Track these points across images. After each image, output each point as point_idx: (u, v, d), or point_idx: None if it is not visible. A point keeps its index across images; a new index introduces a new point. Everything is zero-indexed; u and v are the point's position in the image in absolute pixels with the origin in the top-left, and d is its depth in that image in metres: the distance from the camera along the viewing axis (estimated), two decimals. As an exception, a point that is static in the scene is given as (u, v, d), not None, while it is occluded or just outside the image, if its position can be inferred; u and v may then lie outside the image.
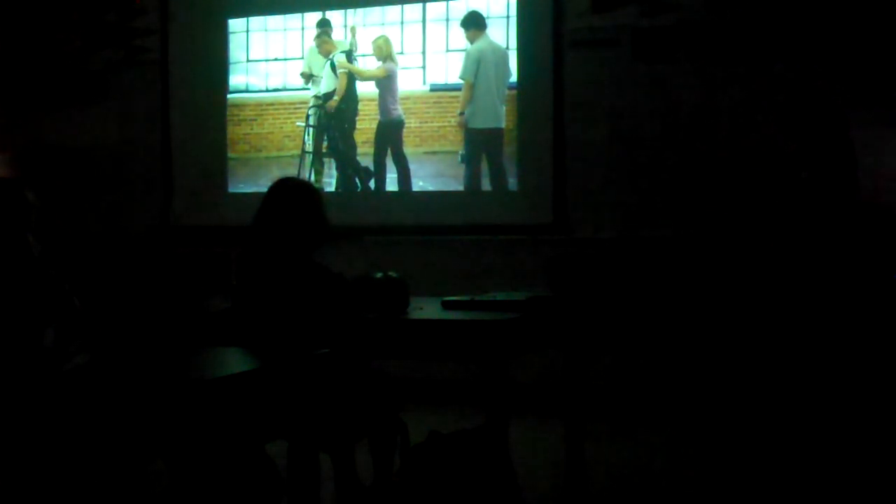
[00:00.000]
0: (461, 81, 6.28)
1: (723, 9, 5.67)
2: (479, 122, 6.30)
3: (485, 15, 6.24)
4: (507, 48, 6.20)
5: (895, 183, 5.40)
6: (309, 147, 6.69)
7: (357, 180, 6.60)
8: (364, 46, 6.54)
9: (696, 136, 5.71)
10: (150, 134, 6.95)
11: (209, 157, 6.87)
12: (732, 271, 5.51)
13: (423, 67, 6.43)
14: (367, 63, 6.54)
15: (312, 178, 6.59)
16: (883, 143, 5.42)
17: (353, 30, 6.56)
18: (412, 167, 6.45)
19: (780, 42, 5.55)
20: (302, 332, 3.28)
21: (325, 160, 6.69)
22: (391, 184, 6.53)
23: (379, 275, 3.57)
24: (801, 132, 5.49)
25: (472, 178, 6.33)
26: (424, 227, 6.29)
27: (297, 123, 6.73)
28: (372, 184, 6.56)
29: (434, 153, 6.43)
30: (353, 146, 6.56)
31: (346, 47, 6.56)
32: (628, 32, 5.84)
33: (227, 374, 2.76)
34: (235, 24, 6.87)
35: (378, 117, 6.48)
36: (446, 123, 6.37)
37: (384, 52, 6.46)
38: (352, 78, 6.54)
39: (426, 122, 6.43)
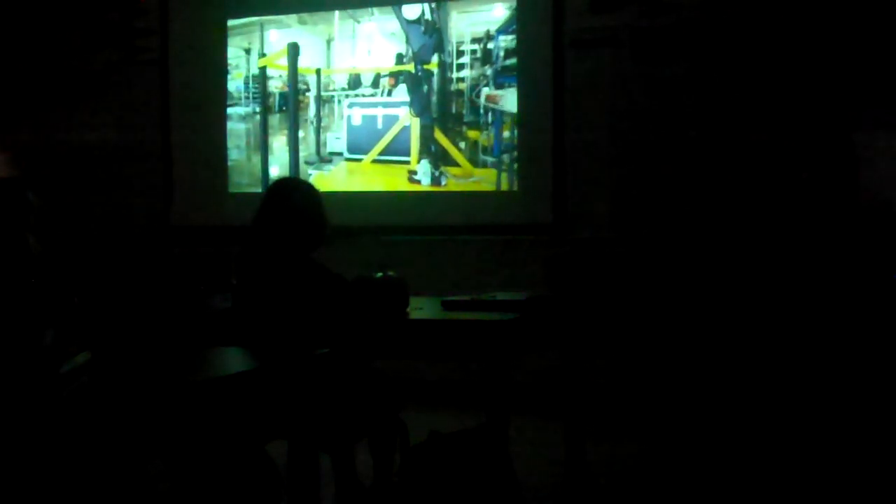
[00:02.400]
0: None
1: (722, 9, 5.66)
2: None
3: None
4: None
5: (895, 183, 5.39)
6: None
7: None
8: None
9: (696, 136, 5.71)
10: (150, 134, 6.95)
11: (209, 157, 6.87)
12: (732, 271, 5.51)
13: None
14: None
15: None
16: (883, 143, 5.42)
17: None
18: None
19: (780, 42, 5.55)
20: (302, 332, 3.28)
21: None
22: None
23: (379, 275, 3.58)
24: (802, 132, 5.49)
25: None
26: (425, 227, 6.29)
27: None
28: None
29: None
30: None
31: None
32: (628, 32, 5.84)
33: (227, 374, 2.76)
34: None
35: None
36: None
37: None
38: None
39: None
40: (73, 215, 6.87)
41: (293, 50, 6.51)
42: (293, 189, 3.58)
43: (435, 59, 6.28)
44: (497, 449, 3.15)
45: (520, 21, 6.13)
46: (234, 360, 3.04)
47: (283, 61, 6.69)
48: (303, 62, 6.63)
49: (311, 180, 6.47)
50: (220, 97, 6.85)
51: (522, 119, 6.13)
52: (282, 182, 3.66)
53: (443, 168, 6.26)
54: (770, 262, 5.43)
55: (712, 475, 4.34)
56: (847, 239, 5.25)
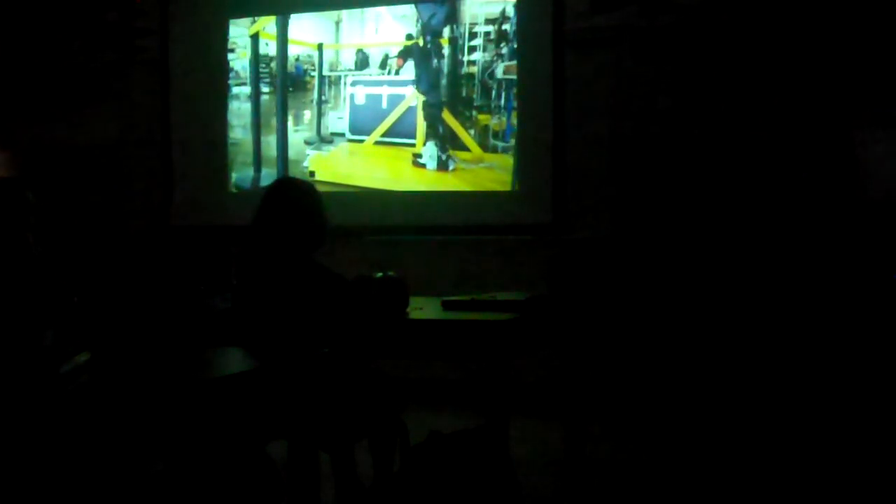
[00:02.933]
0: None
1: (722, 9, 5.67)
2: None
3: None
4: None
5: (895, 183, 5.39)
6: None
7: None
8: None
9: (697, 135, 5.71)
10: (150, 134, 6.96)
11: (209, 156, 6.87)
12: (733, 271, 5.51)
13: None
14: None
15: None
16: (883, 143, 5.42)
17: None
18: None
19: (780, 42, 5.55)
20: (302, 332, 3.28)
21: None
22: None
23: (379, 275, 3.58)
24: (802, 132, 5.50)
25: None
26: (424, 227, 6.28)
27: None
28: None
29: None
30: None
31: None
32: (628, 32, 5.84)
33: (227, 374, 2.76)
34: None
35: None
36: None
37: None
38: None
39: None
40: (73, 215, 6.87)
41: (282, 17, 6.18)
42: (293, 189, 3.58)
43: (446, 33, 5.95)
44: (497, 449, 3.15)
45: (520, 21, 6.12)
46: (234, 360, 3.04)
47: (273, 28, 6.46)
48: (308, 39, 6.36)
49: (309, 161, 6.32)
50: (219, 97, 6.85)
51: (522, 119, 6.12)
52: (282, 182, 3.66)
53: (451, 152, 5.97)
54: (771, 260, 5.43)
55: (712, 475, 4.34)
56: (847, 238, 5.26)
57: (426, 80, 6.03)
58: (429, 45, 5.91)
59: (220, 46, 6.86)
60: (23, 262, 3.54)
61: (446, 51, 5.98)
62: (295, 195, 3.50)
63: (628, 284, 5.69)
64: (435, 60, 5.91)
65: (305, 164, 6.45)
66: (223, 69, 6.85)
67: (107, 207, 6.99)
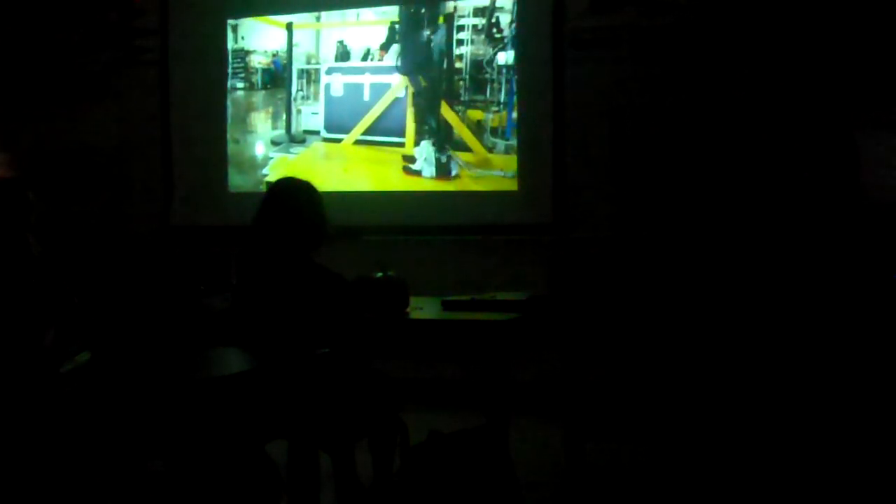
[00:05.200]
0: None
1: (722, 8, 5.67)
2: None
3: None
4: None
5: (895, 183, 5.39)
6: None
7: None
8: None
9: (697, 136, 5.71)
10: (150, 134, 6.96)
11: (209, 157, 6.86)
12: (733, 271, 5.51)
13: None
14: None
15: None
16: (885, 143, 5.42)
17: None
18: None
19: (782, 42, 5.55)
20: (302, 332, 3.28)
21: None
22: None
23: (379, 275, 3.58)
24: (803, 132, 5.50)
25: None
26: (424, 227, 6.28)
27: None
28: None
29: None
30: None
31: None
32: (628, 32, 5.84)
33: (227, 374, 2.76)
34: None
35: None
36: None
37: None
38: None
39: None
40: (73, 215, 6.87)
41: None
42: (293, 189, 3.58)
43: (442, 8, 5.30)
44: (497, 449, 3.15)
45: (520, 21, 6.11)
46: (234, 360, 3.04)
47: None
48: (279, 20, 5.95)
49: (270, 166, 5.78)
50: (219, 97, 6.85)
51: (522, 119, 6.12)
52: (282, 182, 3.65)
53: (451, 152, 5.31)
54: (771, 261, 5.43)
55: (712, 475, 4.34)
56: (848, 238, 5.26)
57: (412, 57, 5.23)
58: (423, 11, 5.13)
59: (221, 46, 6.86)
60: (23, 263, 3.54)
61: (441, 29, 5.30)
62: (294, 195, 3.50)
63: (628, 284, 5.69)
64: (427, 32, 5.19)
65: (265, 170, 5.89)
66: (223, 69, 6.85)
67: (106, 207, 6.99)
